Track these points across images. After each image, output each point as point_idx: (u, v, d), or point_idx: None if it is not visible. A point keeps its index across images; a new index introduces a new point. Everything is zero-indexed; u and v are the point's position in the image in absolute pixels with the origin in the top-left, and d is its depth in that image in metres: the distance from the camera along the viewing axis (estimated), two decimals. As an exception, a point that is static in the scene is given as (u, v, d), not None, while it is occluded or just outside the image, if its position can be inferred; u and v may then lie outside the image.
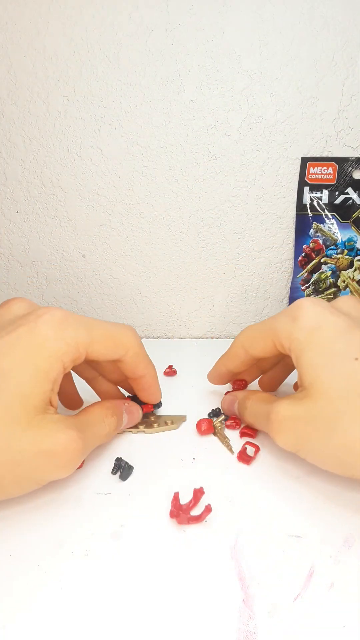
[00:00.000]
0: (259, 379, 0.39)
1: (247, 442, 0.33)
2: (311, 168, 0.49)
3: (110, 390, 0.36)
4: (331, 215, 0.50)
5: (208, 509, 0.26)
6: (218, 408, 0.38)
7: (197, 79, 0.47)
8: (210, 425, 0.35)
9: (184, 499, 0.28)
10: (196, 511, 0.27)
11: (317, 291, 0.52)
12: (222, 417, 0.36)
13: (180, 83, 0.47)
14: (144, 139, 0.49)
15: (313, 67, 0.46)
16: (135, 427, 0.36)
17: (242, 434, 0.34)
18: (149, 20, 0.45)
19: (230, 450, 0.33)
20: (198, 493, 0.28)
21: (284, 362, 0.37)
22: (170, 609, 0.22)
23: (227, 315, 0.55)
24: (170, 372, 0.46)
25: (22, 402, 0.24)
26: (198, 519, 0.26)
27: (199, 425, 0.35)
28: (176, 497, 0.27)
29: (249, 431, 0.34)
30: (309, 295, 0.52)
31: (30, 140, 0.49)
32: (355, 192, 0.49)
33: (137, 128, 0.48)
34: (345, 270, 0.51)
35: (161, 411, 0.38)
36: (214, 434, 0.35)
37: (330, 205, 0.49)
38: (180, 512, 0.26)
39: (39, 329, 0.26)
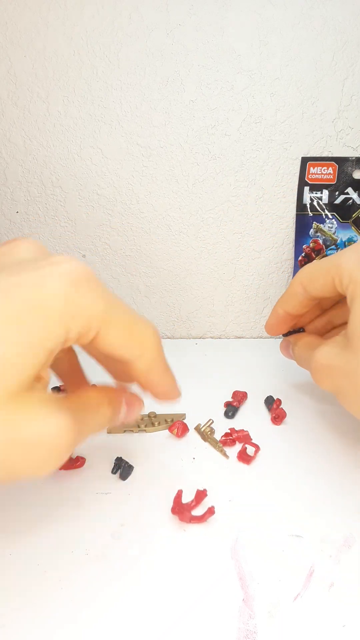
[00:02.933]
0: (311, 324, 0.36)
1: (247, 442, 0.33)
2: (311, 168, 0.49)
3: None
4: (331, 215, 0.50)
5: (211, 511, 0.26)
6: (229, 406, 0.38)
7: (197, 79, 0.47)
8: (184, 427, 0.35)
9: (184, 499, 0.28)
10: (198, 512, 0.27)
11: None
12: (210, 421, 0.36)
13: (180, 83, 0.47)
14: (144, 139, 0.49)
15: (313, 67, 0.46)
16: (137, 426, 0.36)
17: (232, 442, 0.34)
18: (149, 20, 0.45)
19: (224, 454, 0.33)
20: (201, 494, 0.28)
21: (341, 305, 0.35)
22: (171, 609, 0.22)
23: (227, 315, 0.55)
24: None
25: (2, 373, 0.18)
26: (200, 519, 0.26)
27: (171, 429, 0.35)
28: (179, 494, 0.27)
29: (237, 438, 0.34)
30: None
31: (30, 140, 0.49)
32: (355, 192, 0.49)
33: (137, 128, 0.48)
34: (345, 270, 0.51)
35: (160, 410, 0.38)
36: (204, 439, 0.35)
37: (330, 205, 0.49)
38: (183, 510, 0.26)
39: (48, 282, 0.19)
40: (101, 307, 0.20)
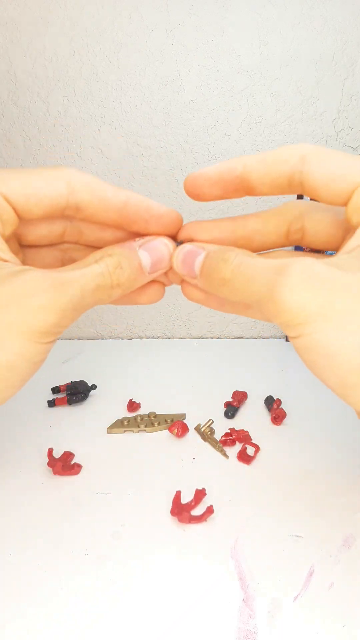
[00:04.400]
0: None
1: (247, 442, 0.33)
2: (311, 168, 0.49)
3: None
4: (331, 215, 0.50)
5: (210, 510, 0.26)
6: (230, 406, 0.38)
7: (197, 79, 0.47)
8: (184, 427, 0.35)
9: (184, 499, 0.28)
10: (197, 511, 0.27)
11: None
12: (210, 421, 0.36)
13: (180, 83, 0.47)
14: (144, 139, 0.49)
15: (313, 67, 0.46)
16: (137, 426, 0.36)
17: (232, 442, 0.34)
18: (149, 20, 0.45)
19: (224, 454, 0.33)
20: (200, 494, 0.28)
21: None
22: (171, 609, 0.22)
23: (227, 315, 0.55)
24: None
25: None
26: (199, 519, 0.26)
27: (171, 429, 0.35)
28: (178, 495, 0.27)
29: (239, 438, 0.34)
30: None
31: (30, 140, 0.49)
32: (355, 192, 0.49)
33: (137, 128, 0.48)
34: (345, 270, 0.51)
35: (161, 410, 0.38)
36: (204, 439, 0.35)
37: (330, 205, 0.49)
38: (182, 511, 0.26)
39: None
40: None
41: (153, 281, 0.23)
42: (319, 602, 0.22)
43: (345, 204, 0.20)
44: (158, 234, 0.23)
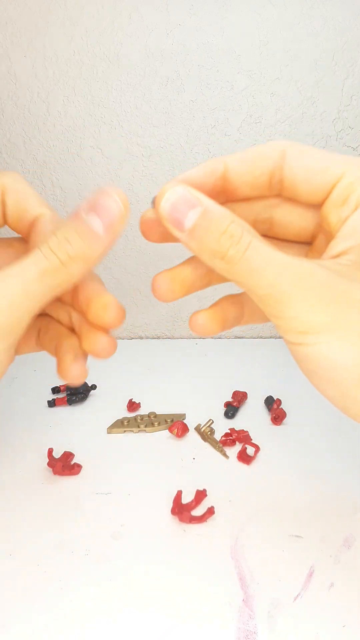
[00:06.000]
0: None
1: (247, 442, 0.33)
2: (311, 168, 0.49)
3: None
4: (331, 215, 0.50)
5: (211, 511, 0.26)
6: (229, 406, 0.38)
7: (197, 79, 0.47)
8: (184, 427, 0.35)
9: (184, 499, 0.28)
10: (198, 512, 0.27)
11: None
12: (210, 421, 0.36)
13: (180, 83, 0.47)
14: (144, 139, 0.49)
15: (313, 67, 0.46)
16: (137, 426, 0.36)
17: (232, 442, 0.34)
18: (149, 20, 0.45)
19: (224, 454, 0.33)
20: (201, 495, 0.28)
21: None
22: (171, 609, 0.22)
23: (227, 315, 0.55)
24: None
25: None
26: (200, 519, 0.26)
27: (171, 429, 0.35)
28: (179, 495, 0.27)
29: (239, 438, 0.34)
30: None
31: (30, 140, 0.49)
32: (355, 192, 0.49)
33: (137, 128, 0.48)
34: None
35: (161, 410, 0.38)
36: (204, 439, 0.35)
37: (330, 205, 0.49)
38: (182, 510, 0.26)
39: None
40: None
41: (99, 330, 0.20)
42: (319, 602, 0.22)
43: (322, 202, 0.19)
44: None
